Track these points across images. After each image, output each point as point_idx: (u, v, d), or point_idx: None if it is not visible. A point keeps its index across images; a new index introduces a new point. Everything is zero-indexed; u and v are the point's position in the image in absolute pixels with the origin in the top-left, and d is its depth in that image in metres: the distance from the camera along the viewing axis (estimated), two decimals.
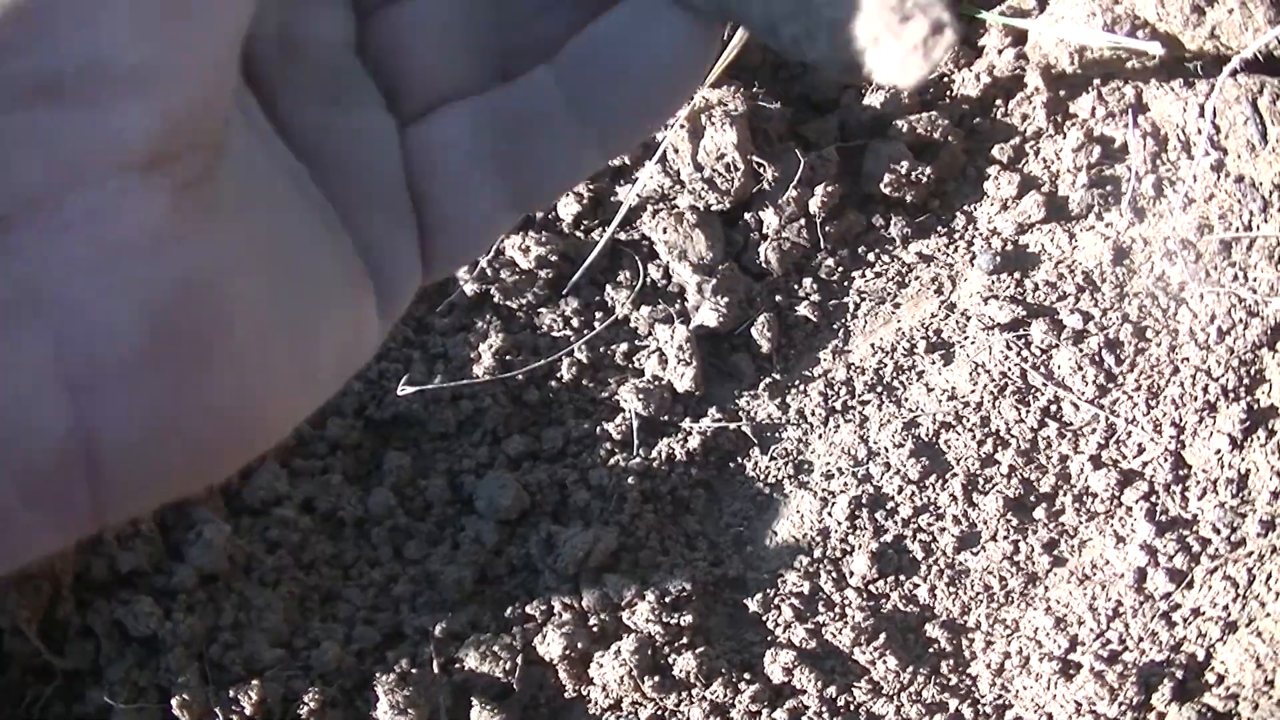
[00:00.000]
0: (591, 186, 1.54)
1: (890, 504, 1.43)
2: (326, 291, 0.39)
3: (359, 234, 0.41)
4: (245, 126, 0.37)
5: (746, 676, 1.32)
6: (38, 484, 0.32)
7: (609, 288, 1.53)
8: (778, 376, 1.51)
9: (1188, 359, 1.46)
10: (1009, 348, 1.48)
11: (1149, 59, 1.55)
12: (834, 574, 1.40)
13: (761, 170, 1.52)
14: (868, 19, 0.36)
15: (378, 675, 1.29)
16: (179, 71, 0.32)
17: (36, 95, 0.30)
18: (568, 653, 1.30)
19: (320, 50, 0.41)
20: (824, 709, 1.31)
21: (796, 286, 1.54)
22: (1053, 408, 1.46)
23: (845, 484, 1.44)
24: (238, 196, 0.35)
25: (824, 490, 1.44)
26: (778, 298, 1.53)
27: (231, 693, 1.26)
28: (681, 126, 1.50)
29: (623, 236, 1.54)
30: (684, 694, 1.31)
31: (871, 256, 1.57)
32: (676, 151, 1.51)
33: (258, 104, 0.39)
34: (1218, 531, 1.38)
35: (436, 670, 1.30)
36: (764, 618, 1.37)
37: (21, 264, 0.31)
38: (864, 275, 1.56)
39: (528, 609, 1.35)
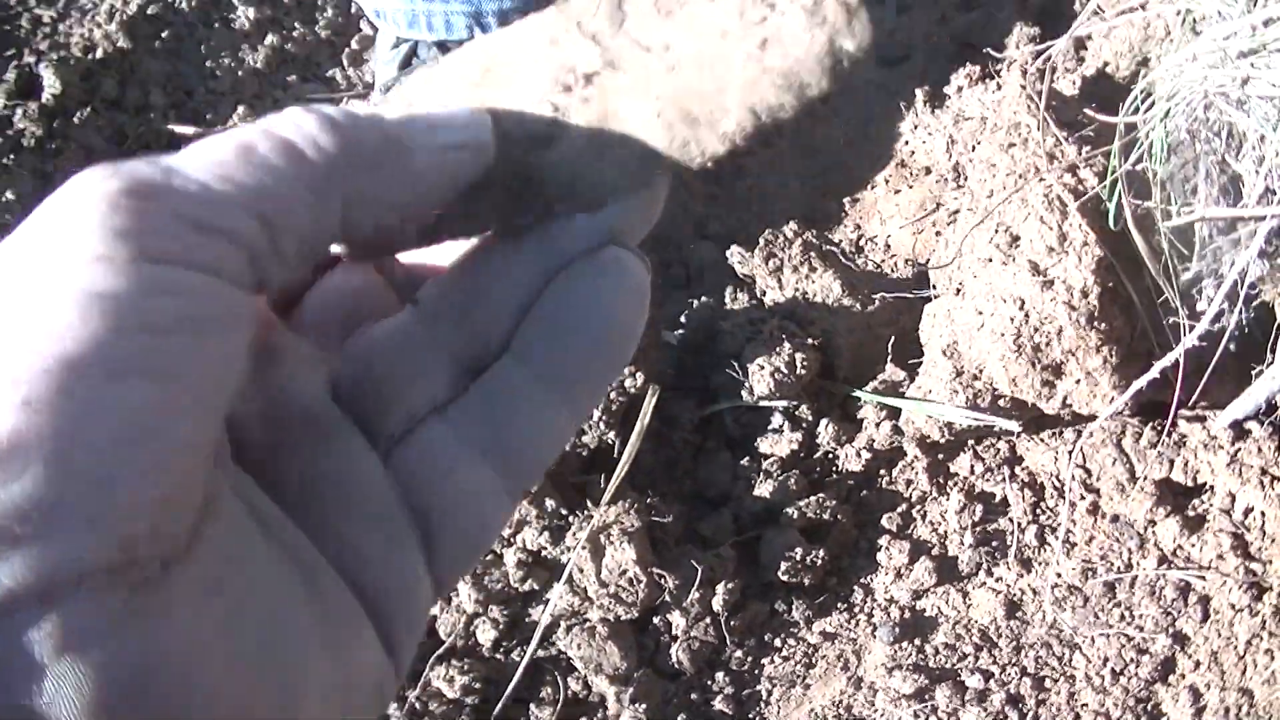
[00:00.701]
0: (506, 611, 1.63)
1: None
2: (310, 643, 0.42)
3: (358, 566, 0.45)
4: (228, 505, 0.42)
5: None
6: None
7: (533, 706, 1.61)
8: None
9: (1086, 704, 1.52)
10: (916, 717, 1.55)
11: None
12: None
13: (663, 580, 1.62)
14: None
15: None
16: (126, 507, 0.36)
17: (8, 528, 0.35)
18: None
19: (300, 404, 0.47)
20: None
21: (710, 682, 1.62)
22: None
23: None
24: (209, 578, 0.39)
25: None
26: (693, 695, 1.61)
27: None
28: (584, 548, 1.61)
29: (542, 654, 1.63)
30: None
31: (778, 642, 1.65)
32: (582, 571, 1.61)
33: (250, 480, 0.44)
34: None
35: None
36: None
37: None
38: (773, 661, 1.64)
39: None
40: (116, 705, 0.35)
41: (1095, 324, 1.51)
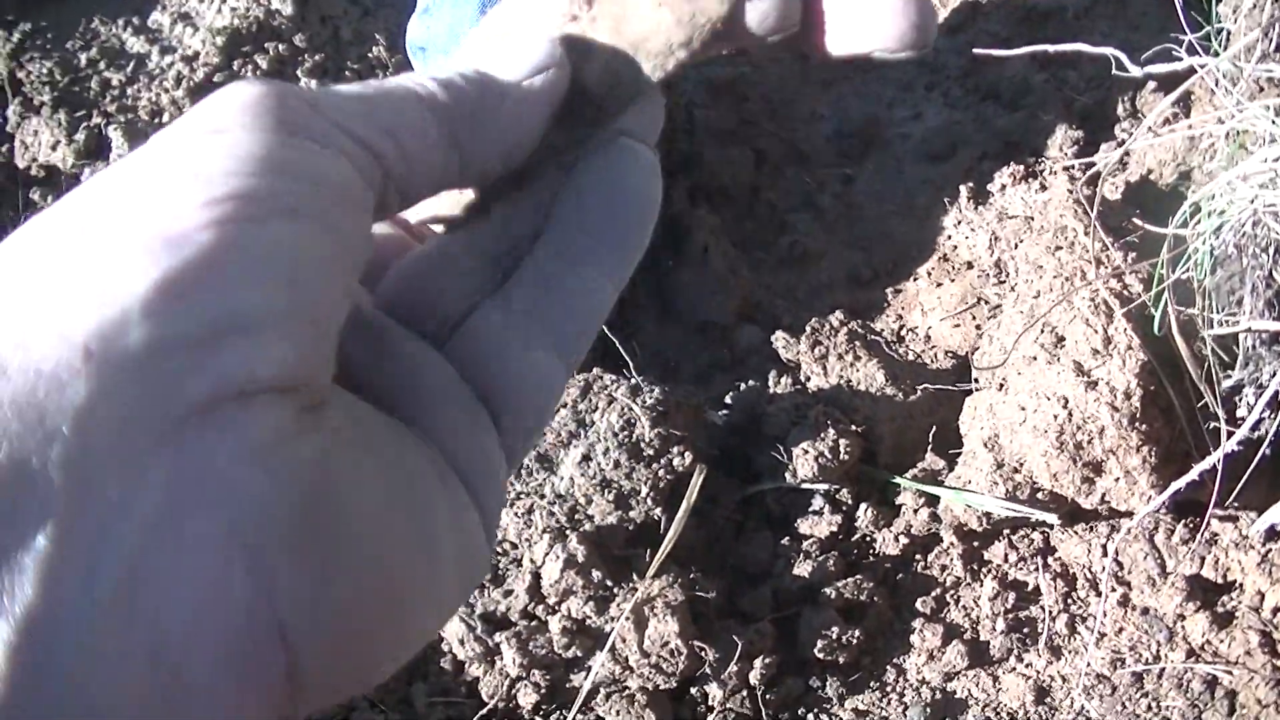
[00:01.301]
0: (549, 676, 1.68)
1: None
2: (433, 494, 0.44)
3: (445, 447, 0.46)
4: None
5: None
6: (239, 655, 0.36)
7: None
8: None
9: None
10: None
11: None
12: None
13: (703, 652, 1.66)
14: None
15: None
16: (306, 324, 0.39)
17: (199, 340, 0.37)
18: None
19: (355, 319, 0.47)
20: None
21: None
22: None
23: None
24: (350, 420, 0.42)
25: None
26: None
27: None
28: (628, 618, 1.65)
29: (581, 719, 1.68)
30: None
31: (811, 717, 1.69)
32: (624, 641, 1.66)
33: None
34: None
35: None
36: None
37: (189, 461, 0.36)
38: None
39: None
40: (303, 499, 0.38)
41: (1136, 425, 1.57)
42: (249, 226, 0.38)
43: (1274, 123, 1.40)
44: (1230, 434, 1.45)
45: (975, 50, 1.70)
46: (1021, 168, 2.06)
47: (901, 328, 2.05)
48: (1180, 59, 1.54)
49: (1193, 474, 1.45)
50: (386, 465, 0.42)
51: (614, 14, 0.52)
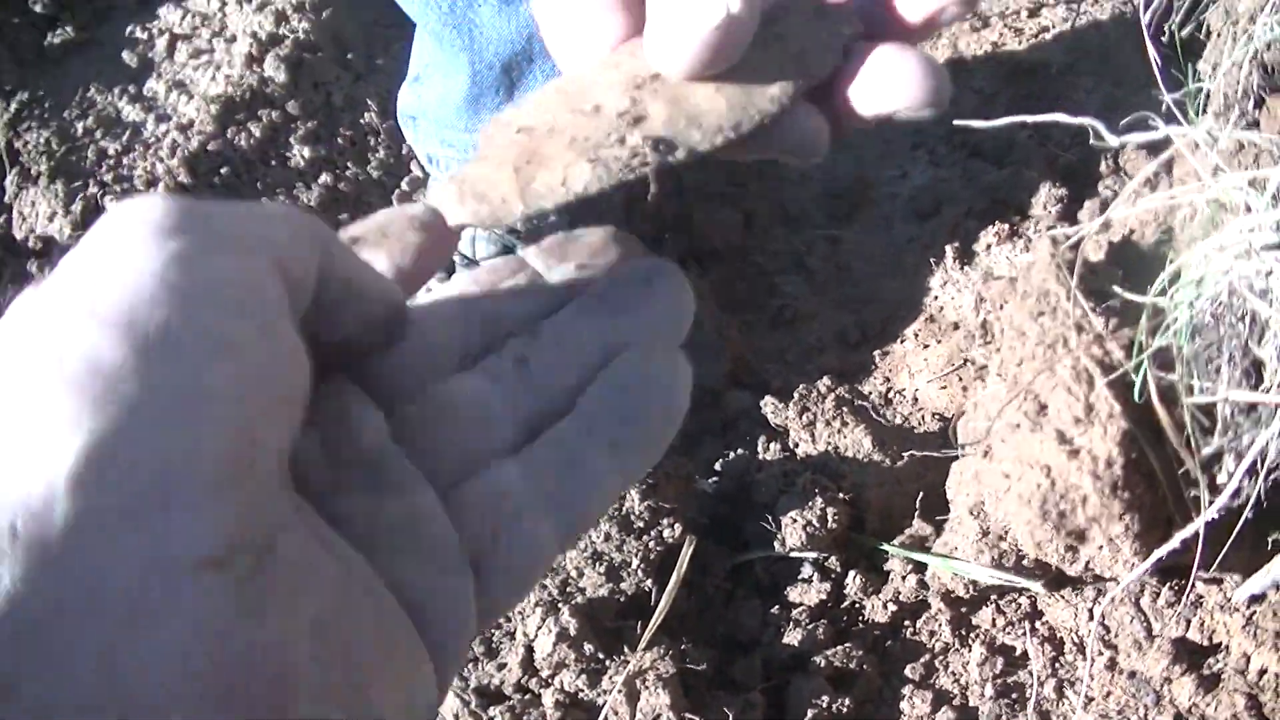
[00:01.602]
0: None
1: None
2: (377, 659, 0.42)
3: (417, 598, 0.45)
4: (298, 528, 0.42)
5: None
6: None
7: None
8: None
9: None
10: None
11: None
12: None
13: None
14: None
15: None
16: (231, 498, 0.37)
17: (126, 513, 0.35)
18: None
19: (360, 445, 0.48)
20: None
21: None
22: None
23: None
24: (289, 586, 0.39)
25: None
26: None
27: None
28: (620, 691, 1.66)
29: None
30: None
31: None
32: (617, 714, 1.66)
33: (312, 508, 0.45)
34: None
35: None
36: None
37: (119, 658, 0.34)
38: None
39: None
40: (224, 690, 0.36)
41: (1119, 493, 1.58)
42: (175, 366, 0.37)
43: (1249, 193, 1.41)
44: (1211, 500, 1.46)
45: (955, 121, 1.71)
46: (1007, 227, 2.08)
47: (889, 390, 2.06)
48: (1157, 126, 1.56)
49: (1174, 542, 1.46)
50: (327, 633, 0.41)
51: (674, 90, 0.57)
